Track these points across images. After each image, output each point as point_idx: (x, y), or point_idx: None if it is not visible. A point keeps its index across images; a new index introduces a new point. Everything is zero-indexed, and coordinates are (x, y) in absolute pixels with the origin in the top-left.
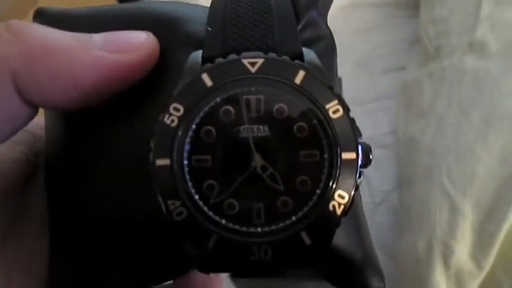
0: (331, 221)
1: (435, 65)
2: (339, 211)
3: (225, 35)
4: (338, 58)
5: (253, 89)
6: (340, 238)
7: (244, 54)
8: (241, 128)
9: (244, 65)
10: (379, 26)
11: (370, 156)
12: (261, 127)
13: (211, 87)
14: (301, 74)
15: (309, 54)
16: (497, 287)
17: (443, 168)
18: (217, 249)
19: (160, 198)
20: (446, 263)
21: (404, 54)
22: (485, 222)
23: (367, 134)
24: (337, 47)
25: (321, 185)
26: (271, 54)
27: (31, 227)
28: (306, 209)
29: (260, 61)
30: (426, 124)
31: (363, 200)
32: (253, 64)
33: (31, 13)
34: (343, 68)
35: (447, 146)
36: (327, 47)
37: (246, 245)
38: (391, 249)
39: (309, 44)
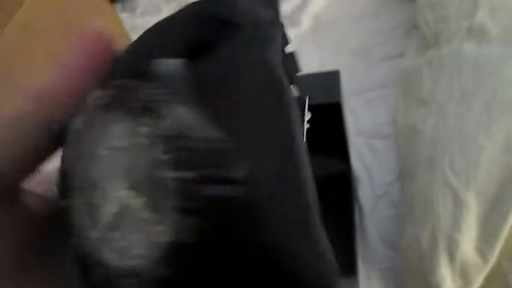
0: None
1: (434, 51)
2: None
3: None
4: (335, 47)
5: None
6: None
7: None
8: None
9: None
10: (375, 13)
11: None
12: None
13: None
14: None
15: None
16: (503, 279)
17: (446, 159)
18: (103, 285)
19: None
20: (451, 256)
21: (402, 40)
22: (490, 214)
23: (366, 124)
24: (333, 35)
25: None
26: None
27: (47, 260)
28: None
29: None
30: (427, 113)
31: (364, 193)
32: None
33: (17, 17)
34: (340, 57)
35: (449, 135)
36: None
37: (128, 280)
38: (395, 243)
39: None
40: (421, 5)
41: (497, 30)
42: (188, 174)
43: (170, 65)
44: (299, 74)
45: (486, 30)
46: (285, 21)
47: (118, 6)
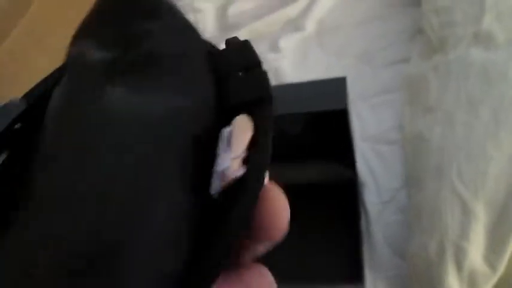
0: None
1: (440, 57)
2: None
3: None
4: (339, 51)
5: None
6: None
7: None
8: None
9: None
10: (379, 17)
11: None
12: None
13: None
14: None
15: None
16: None
17: (454, 168)
18: None
19: None
20: (459, 265)
21: (406, 45)
22: (498, 223)
23: (371, 130)
24: (338, 40)
25: None
26: None
27: None
28: None
29: None
30: (434, 120)
31: (371, 199)
32: None
33: (23, 21)
34: (344, 61)
35: (457, 144)
36: None
37: None
38: (402, 250)
39: None
40: (426, 9)
41: (504, 36)
42: None
43: None
44: (306, 81)
45: (493, 35)
46: (290, 26)
47: None
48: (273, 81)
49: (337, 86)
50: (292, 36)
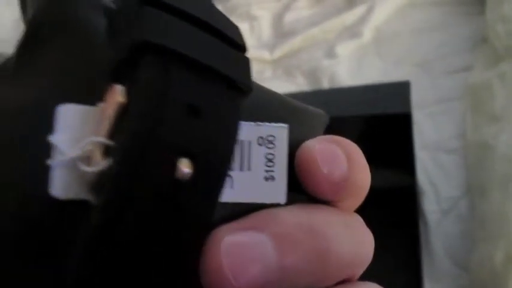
0: None
1: (507, 65)
2: None
3: None
4: (397, 59)
5: None
6: None
7: None
8: None
9: None
10: (440, 25)
11: None
12: None
13: None
14: None
15: None
16: None
17: None
18: None
19: None
20: None
21: (468, 54)
22: None
23: (430, 138)
24: (396, 47)
25: None
26: None
27: None
28: None
29: None
30: (500, 129)
31: (430, 207)
32: None
33: None
34: (403, 69)
35: None
36: None
37: None
38: (462, 260)
39: None
40: (491, 17)
41: None
42: None
43: None
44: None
45: None
46: (346, 33)
47: None
48: (329, 87)
49: (400, 90)
50: (349, 43)
